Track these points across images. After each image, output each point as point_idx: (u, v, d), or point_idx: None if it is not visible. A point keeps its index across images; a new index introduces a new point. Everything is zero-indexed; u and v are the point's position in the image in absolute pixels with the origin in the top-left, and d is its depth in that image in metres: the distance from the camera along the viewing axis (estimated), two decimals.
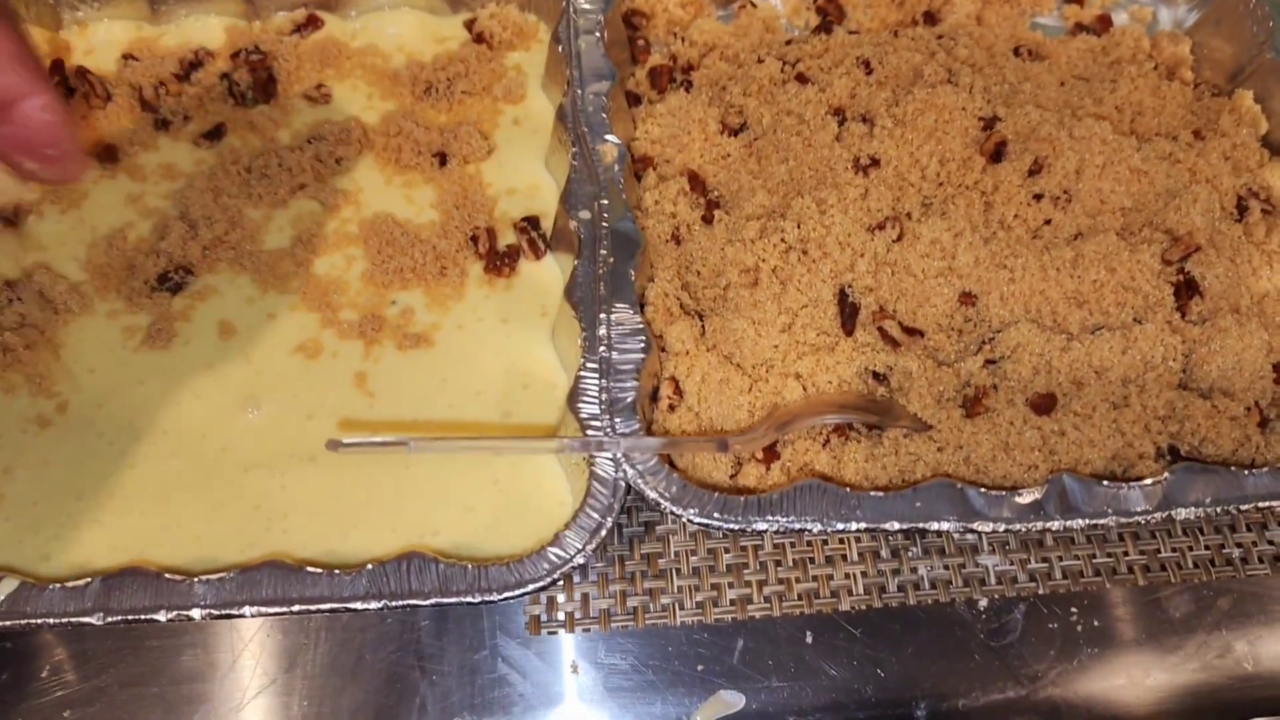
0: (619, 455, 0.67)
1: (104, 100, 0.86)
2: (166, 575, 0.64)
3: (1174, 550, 0.75)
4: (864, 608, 0.72)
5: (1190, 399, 0.72)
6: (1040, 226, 0.79)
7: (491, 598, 0.63)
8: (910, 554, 0.75)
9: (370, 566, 0.64)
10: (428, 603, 0.63)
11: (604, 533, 0.65)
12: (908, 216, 0.78)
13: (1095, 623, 0.73)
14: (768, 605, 0.72)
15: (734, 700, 0.70)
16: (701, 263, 0.79)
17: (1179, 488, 0.67)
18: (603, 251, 0.75)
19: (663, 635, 0.72)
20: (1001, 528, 0.65)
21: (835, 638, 0.72)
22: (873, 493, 0.66)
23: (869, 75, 0.86)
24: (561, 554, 0.65)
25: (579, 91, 0.83)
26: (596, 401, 0.69)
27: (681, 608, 0.72)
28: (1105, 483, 0.67)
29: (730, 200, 0.82)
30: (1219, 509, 0.67)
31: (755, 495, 0.66)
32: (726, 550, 0.74)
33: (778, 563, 0.74)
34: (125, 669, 0.70)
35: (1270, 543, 0.76)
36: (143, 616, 0.63)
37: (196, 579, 0.64)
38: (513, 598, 0.64)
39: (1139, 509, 0.66)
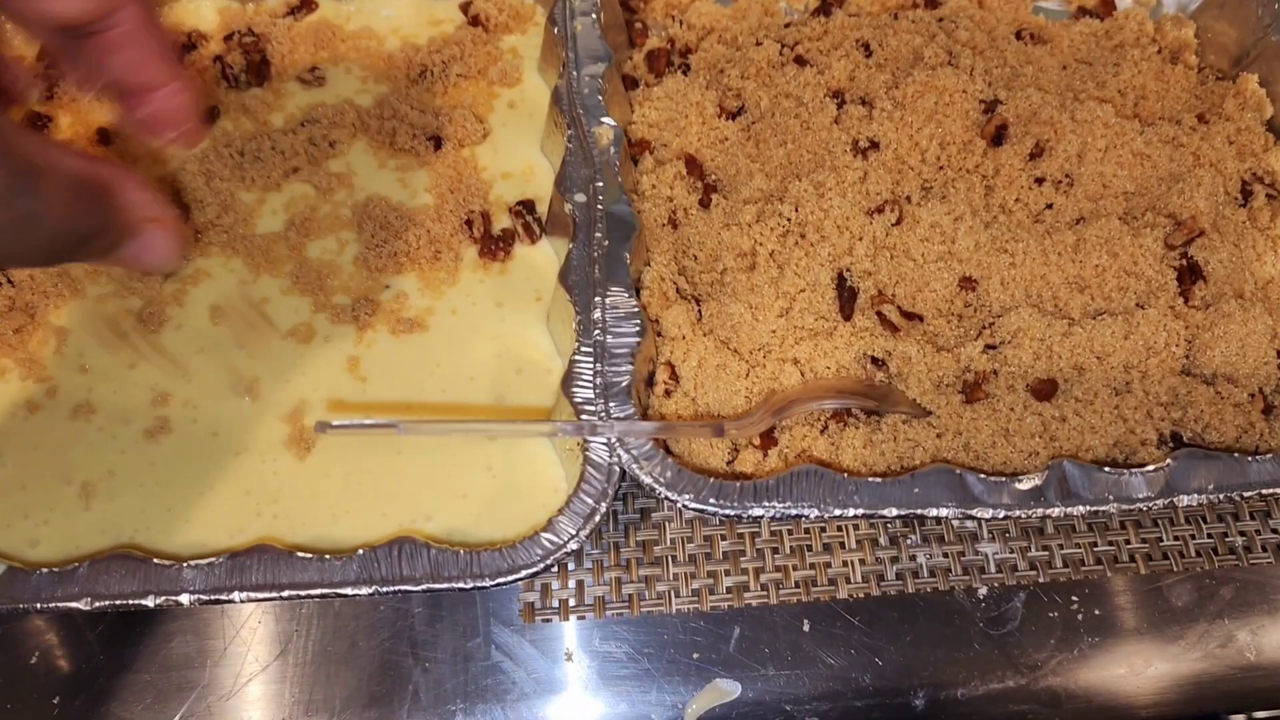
0: (613, 440, 0.66)
1: None
2: (155, 560, 0.63)
3: (1176, 538, 0.75)
4: (862, 595, 0.72)
5: (1193, 385, 0.72)
6: (1042, 211, 0.78)
7: (484, 584, 0.62)
8: (909, 541, 0.74)
9: (361, 552, 0.63)
10: (419, 588, 0.62)
11: (598, 518, 0.65)
12: (907, 200, 0.77)
13: (1096, 611, 0.72)
14: (764, 593, 0.71)
15: (730, 689, 0.69)
16: (698, 247, 0.78)
17: (1181, 474, 0.66)
18: (597, 235, 0.74)
19: (658, 623, 0.71)
20: (1001, 514, 0.65)
21: (833, 626, 0.71)
22: (871, 479, 0.66)
23: (868, 57, 0.85)
24: (555, 540, 0.64)
25: (575, 74, 0.82)
26: (591, 386, 0.68)
27: (677, 595, 0.71)
28: (1106, 469, 0.66)
29: (728, 184, 0.81)
30: (1222, 496, 0.66)
31: (752, 481, 0.65)
32: (723, 537, 0.73)
33: (775, 550, 0.73)
34: (115, 655, 0.70)
35: (1274, 531, 0.75)
36: (131, 602, 0.62)
37: (185, 564, 0.63)
38: (505, 583, 0.63)
39: (1141, 495, 0.65)
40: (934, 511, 0.64)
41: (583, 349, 0.70)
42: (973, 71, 0.83)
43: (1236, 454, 0.67)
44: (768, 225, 0.75)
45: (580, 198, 0.76)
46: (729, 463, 0.70)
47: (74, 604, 0.61)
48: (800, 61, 0.85)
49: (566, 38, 0.84)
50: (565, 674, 0.69)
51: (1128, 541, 0.74)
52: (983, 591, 0.72)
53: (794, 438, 0.70)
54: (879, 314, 0.73)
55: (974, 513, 0.65)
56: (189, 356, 0.75)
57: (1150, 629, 0.72)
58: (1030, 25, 0.92)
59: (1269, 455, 0.67)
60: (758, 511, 0.64)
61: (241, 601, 0.62)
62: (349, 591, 0.62)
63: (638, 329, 0.70)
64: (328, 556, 0.63)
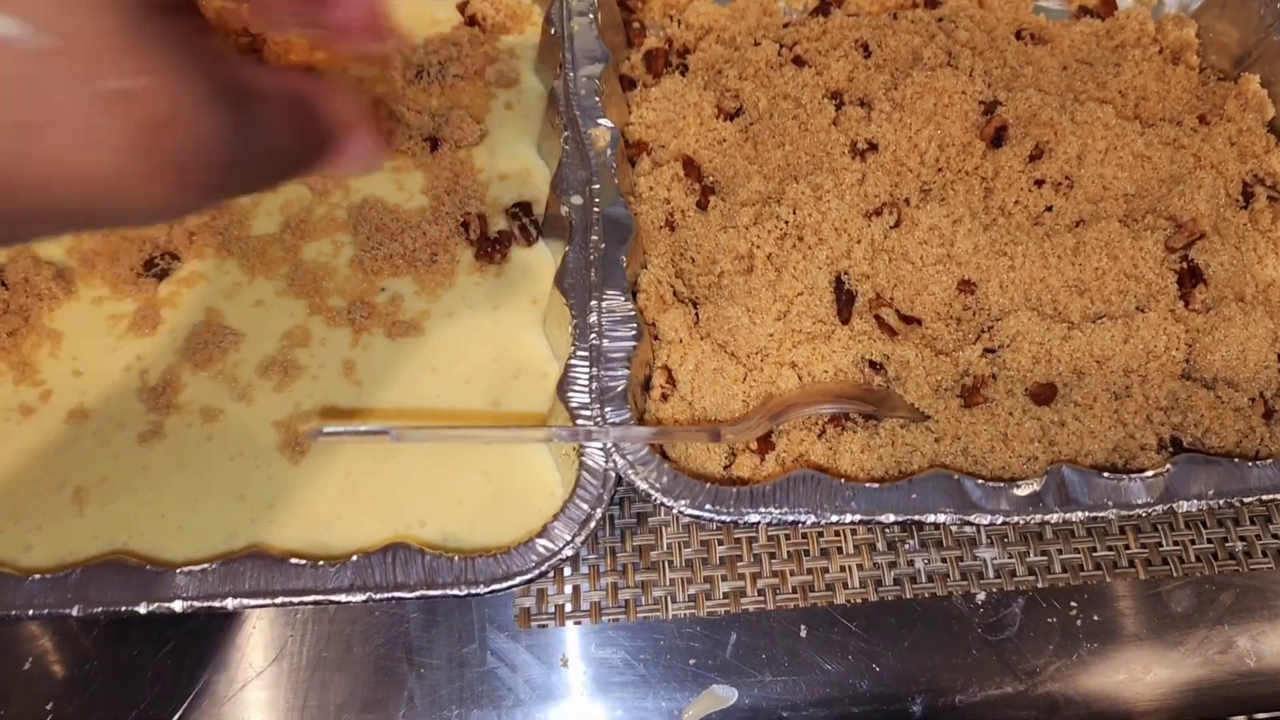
0: (609, 445, 0.66)
1: None
2: (148, 566, 0.63)
3: (1176, 544, 0.74)
4: (859, 601, 0.71)
5: (1193, 389, 0.71)
6: (1041, 213, 0.78)
7: (478, 590, 0.62)
8: (907, 546, 0.73)
9: (355, 558, 0.63)
10: (413, 595, 0.62)
11: (593, 524, 0.64)
12: (906, 202, 0.77)
13: (1095, 617, 0.72)
14: (761, 599, 0.71)
15: (727, 695, 0.69)
16: (696, 249, 0.77)
17: (1181, 480, 0.65)
18: (594, 237, 0.73)
19: (655, 629, 0.70)
20: (999, 520, 0.64)
21: (830, 632, 0.71)
22: (868, 484, 0.65)
23: (867, 58, 0.84)
24: (550, 546, 0.64)
25: (572, 75, 0.82)
26: (586, 390, 0.68)
27: (674, 601, 0.71)
28: (1106, 475, 0.65)
29: (726, 186, 0.80)
30: (1221, 502, 0.65)
31: (748, 486, 0.65)
32: (720, 542, 0.73)
33: (772, 555, 0.73)
34: (110, 660, 0.69)
35: (1274, 536, 0.74)
36: (123, 609, 0.61)
37: (178, 570, 0.62)
38: (500, 590, 0.62)
39: (1140, 501, 0.65)
40: (932, 517, 0.64)
41: (579, 353, 0.69)
42: (972, 72, 0.82)
43: (1237, 459, 0.67)
44: (765, 228, 0.74)
45: (577, 200, 0.76)
46: (726, 467, 0.70)
47: (65, 611, 0.61)
48: (799, 62, 0.84)
49: (564, 38, 0.84)
50: (561, 680, 0.69)
51: (1127, 547, 0.74)
52: (981, 597, 0.72)
53: (791, 442, 0.70)
54: (877, 317, 0.73)
55: (972, 518, 0.64)
56: (183, 360, 0.75)
57: (1150, 635, 0.71)
58: (1030, 25, 0.91)
59: (1269, 460, 0.67)
60: (754, 518, 0.64)
61: (234, 608, 0.62)
62: (342, 598, 0.62)
63: (634, 333, 0.70)
64: (321, 563, 0.63)
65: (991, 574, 0.72)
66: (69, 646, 0.70)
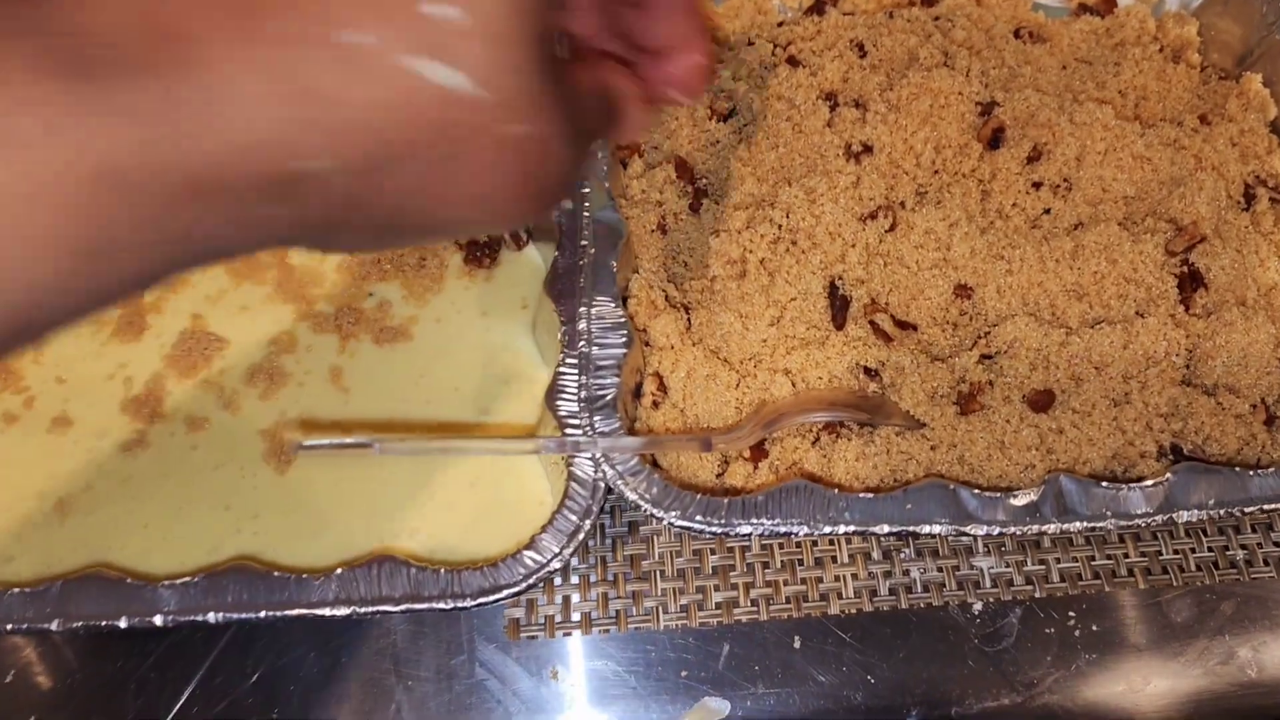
0: (598, 455, 0.65)
1: None
2: (129, 580, 0.62)
3: (1176, 552, 0.73)
4: (854, 611, 0.70)
5: (1194, 396, 0.70)
6: (1039, 216, 0.77)
7: (465, 604, 0.61)
8: (902, 555, 0.72)
9: (340, 571, 0.62)
10: (399, 609, 0.61)
11: (581, 536, 0.63)
12: (901, 205, 0.76)
13: (1094, 627, 0.70)
14: (754, 609, 0.70)
15: (719, 707, 0.68)
16: (688, 253, 0.76)
17: (1181, 489, 0.64)
18: (584, 242, 0.72)
19: (646, 640, 0.69)
20: (995, 531, 0.63)
21: (824, 643, 0.70)
22: (862, 494, 0.64)
23: (862, 58, 0.83)
24: (538, 558, 0.63)
25: None
26: (575, 399, 0.67)
27: (665, 611, 0.70)
28: (1104, 484, 0.64)
29: (718, 188, 0.79)
30: (1222, 511, 0.64)
31: (739, 497, 0.64)
32: (713, 551, 0.72)
33: (765, 564, 0.71)
34: (94, 672, 0.68)
35: (1276, 544, 0.73)
36: (103, 623, 0.60)
37: (161, 584, 0.61)
38: (487, 604, 0.61)
39: (1139, 511, 0.64)
40: (927, 528, 0.63)
41: (568, 360, 0.68)
42: (969, 72, 0.81)
43: (1238, 468, 0.65)
44: (758, 232, 0.73)
45: (567, 204, 0.74)
46: (719, 476, 0.69)
47: (44, 625, 0.60)
48: (793, 62, 0.83)
49: None
50: (551, 693, 0.68)
51: (1126, 555, 0.73)
52: (978, 607, 0.71)
53: (785, 450, 0.69)
54: (872, 323, 0.71)
55: (968, 529, 0.63)
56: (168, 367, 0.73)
57: (1149, 645, 0.70)
58: (1029, 23, 0.90)
59: (1271, 469, 0.65)
60: (746, 529, 0.63)
61: (216, 622, 0.61)
62: (326, 612, 0.61)
63: (624, 340, 0.69)
64: (305, 576, 0.62)
65: (988, 583, 0.71)
66: (53, 658, 0.69)
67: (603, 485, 0.64)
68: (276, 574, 0.62)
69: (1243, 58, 0.88)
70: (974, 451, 0.67)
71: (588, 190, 0.74)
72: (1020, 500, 0.64)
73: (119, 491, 0.69)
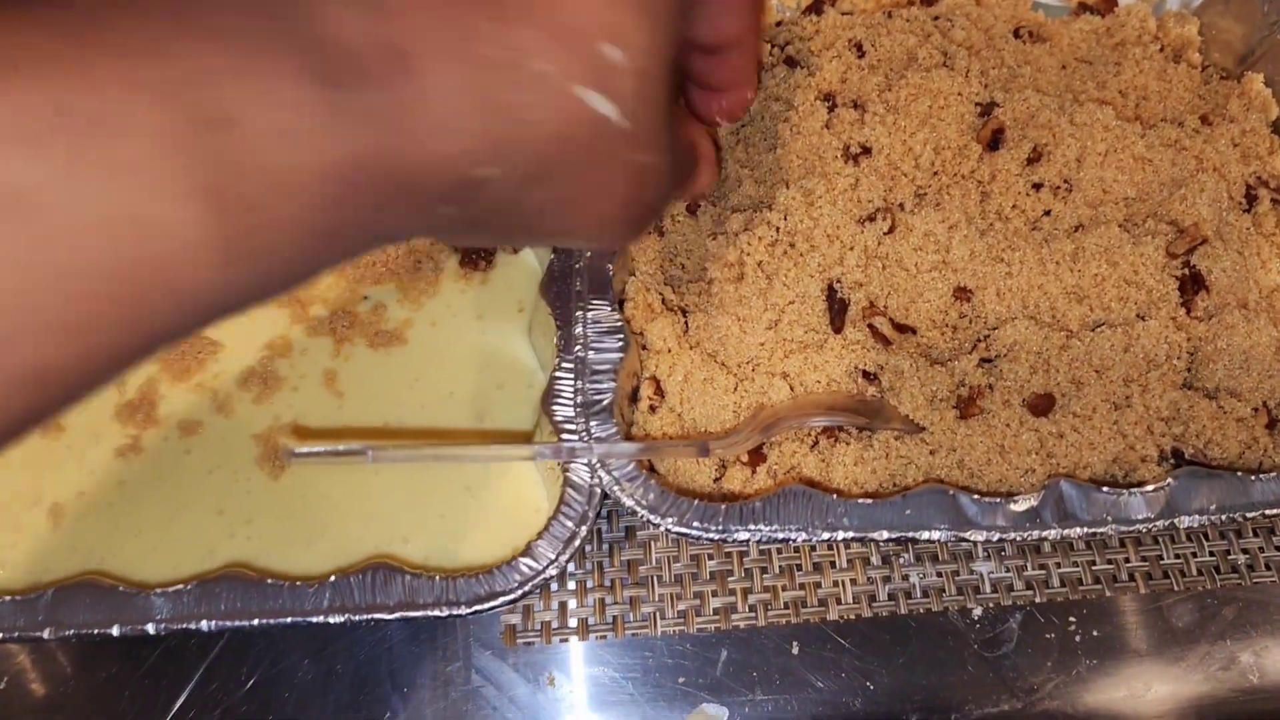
0: (594, 461, 0.64)
1: None
2: (121, 588, 0.61)
3: (1177, 556, 0.72)
4: (853, 617, 0.70)
5: (1195, 399, 0.69)
6: (1039, 218, 0.76)
7: (460, 611, 0.61)
8: (902, 560, 0.72)
9: (334, 578, 0.61)
10: (393, 616, 0.60)
11: (578, 542, 0.63)
12: (900, 207, 0.75)
13: (1095, 632, 0.70)
14: (752, 615, 0.69)
15: (717, 714, 0.67)
16: (685, 255, 0.75)
17: (1182, 494, 0.64)
18: None
19: (643, 645, 0.69)
20: (995, 537, 0.63)
21: (823, 648, 0.69)
22: (861, 500, 0.63)
23: (861, 58, 0.82)
24: (534, 565, 0.62)
25: None
26: (571, 404, 0.66)
27: (663, 617, 0.69)
28: (1105, 489, 0.64)
29: (716, 190, 0.78)
30: (1224, 516, 0.64)
31: (737, 503, 0.63)
32: (710, 557, 0.71)
33: (763, 569, 0.71)
34: (88, 679, 0.68)
35: (1278, 549, 0.73)
36: (95, 631, 0.60)
37: (153, 592, 0.61)
38: (482, 611, 0.61)
39: (1140, 516, 0.63)
40: (926, 534, 0.62)
41: (563, 365, 0.67)
42: (968, 73, 0.80)
43: (1240, 473, 0.65)
44: (755, 234, 0.72)
45: None
46: (716, 480, 0.68)
47: (36, 634, 0.60)
48: (791, 63, 0.82)
49: None
50: (548, 699, 0.67)
51: (1127, 560, 0.72)
52: (977, 612, 0.70)
53: (783, 454, 0.68)
54: (871, 326, 0.71)
55: (967, 535, 0.63)
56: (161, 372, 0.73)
57: (1150, 650, 0.70)
58: (1029, 22, 0.89)
59: (1273, 474, 0.65)
60: (743, 535, 0.62)
61: (209, 631, 0.60)
62: (320, 619, 0.60)
63: (621, 343, 0.68)
64: (299, 583, 0.61)
65: (988, 588, 0.71)
66: (47, 665, 0.68)
67: (599, 491, 0.64)
68: (270, 581, 0.61)
69: (1244, 57, 0.88)
70: (974, 456, 0.67)
71: None
72: (1020, 505, 0.63)
73: (112, 496, 0.68)
